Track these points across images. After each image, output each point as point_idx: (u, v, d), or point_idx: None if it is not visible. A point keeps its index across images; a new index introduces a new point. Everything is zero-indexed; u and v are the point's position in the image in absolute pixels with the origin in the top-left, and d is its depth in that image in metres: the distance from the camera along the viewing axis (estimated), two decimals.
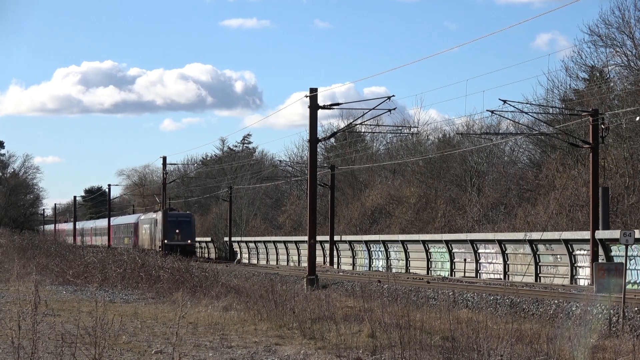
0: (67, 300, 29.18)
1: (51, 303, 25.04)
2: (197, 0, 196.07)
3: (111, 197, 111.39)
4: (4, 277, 37.84)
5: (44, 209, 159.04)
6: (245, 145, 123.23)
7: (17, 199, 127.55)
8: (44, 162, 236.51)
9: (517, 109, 39.57)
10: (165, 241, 69.09)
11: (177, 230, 70.50)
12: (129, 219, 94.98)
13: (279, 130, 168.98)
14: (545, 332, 19.19)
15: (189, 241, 70.68)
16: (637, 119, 46.37)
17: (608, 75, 56.73)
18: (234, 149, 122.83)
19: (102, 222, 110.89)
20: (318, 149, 40.49)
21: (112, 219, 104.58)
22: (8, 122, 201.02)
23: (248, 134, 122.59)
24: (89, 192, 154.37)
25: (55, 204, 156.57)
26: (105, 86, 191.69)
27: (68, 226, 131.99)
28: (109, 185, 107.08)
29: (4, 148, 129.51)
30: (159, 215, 72.08)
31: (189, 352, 17.82)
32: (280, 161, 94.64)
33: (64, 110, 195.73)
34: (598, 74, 56.45)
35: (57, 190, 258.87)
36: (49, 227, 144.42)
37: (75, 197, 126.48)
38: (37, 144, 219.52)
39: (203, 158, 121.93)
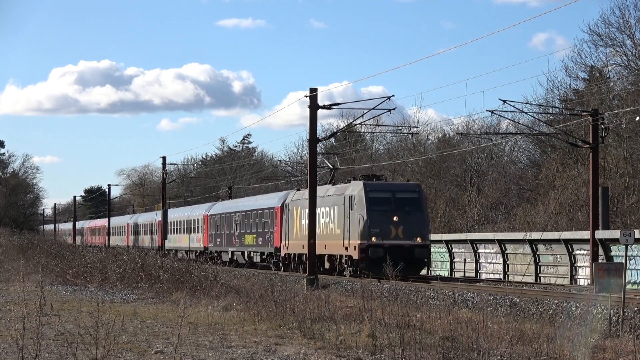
0: (67, 300, 29.21)
1: (51, 303, 25.06)
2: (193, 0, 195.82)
3: (111, 197, 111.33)
4: (4, 277, 37.86)
5: (43, 209, 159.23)
6: (245, 145, 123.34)
7: (17, 199, 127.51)
8: (42, 162, 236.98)
9: (517, 109, 39.57)
10: (373, 239, 36.74)
11: (394, 218, 37.08)
12: (261, 201, 54.34)
13: (276, 130, 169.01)
14: (545, 332, 19.21)
15: (418, 239, 37.30)
16: (637, 119, 46.38)
17: (608, 75, 56.76)
18: (234, 148, 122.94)
19: (185, 212, 71.07)
20: (318, 149, 40.47)
21: (209, 204, 67.00)
22: (5, 121, 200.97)
23: (248, 134, 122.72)
24: (89, 192, 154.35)
25: (55, 204, 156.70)
26: (102, 86, 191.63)
27: (113, 221, 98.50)
28: (109, 185, 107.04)
29: (3, 147, 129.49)
30: (354, 189, 38.54)
31: (189, 352, 17.83)
32: (280, 161, 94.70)
33: (60, 109, 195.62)
34: (598, 74, 56.47)
35: (56, 190, 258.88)
36: (49, 226, 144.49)
37: (75, 197, 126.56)
38: (34, 144, 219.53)
39: (203, 158, 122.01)
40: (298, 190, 47.80)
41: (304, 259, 41.42)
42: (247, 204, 55.74)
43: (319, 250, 40.40)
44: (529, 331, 19.30)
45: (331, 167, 47.44)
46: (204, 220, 62.61)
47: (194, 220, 65.76)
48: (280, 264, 46.74)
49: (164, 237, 70.22)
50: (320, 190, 41.76)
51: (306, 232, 40.37)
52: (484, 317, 21.24)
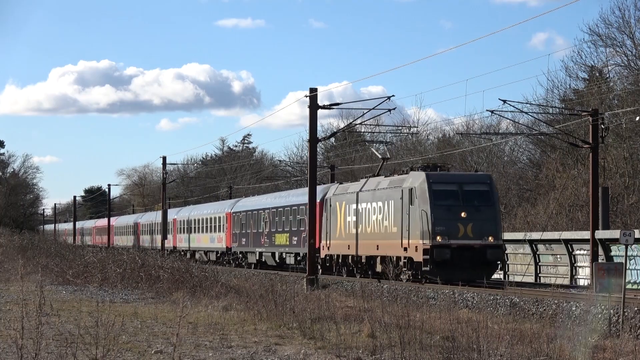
0: (67, 300, 29.20)
1: (51, 303, 25.05)
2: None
3: (111, 197, 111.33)
4: (4, 277, 37.86)
5: (43, 209, 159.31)
6: (245, 145, 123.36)
7: (17, 199, 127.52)
8: (41, 162, 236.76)
9: (517, 109, 39.55)
10: (438, 239, 31.88)
11: (462, 214, 32.40)
12: (295, 196, 48.80)
13: (275, 130, 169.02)
14: (545, 332, 19.21)
15: (490, 238, 32.49)
16: (637, 119, 46.41)
17: (608, 75, 56.81)
18: (234, 149, 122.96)
19: (203, 210, 64.98)
20: (318, 149, 40.48)
21: (233, 201, 60.89)
22: (5, 121, 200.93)
23: (248, 134, 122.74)
24: (89, 192, 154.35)
25: (55, 204, 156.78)
26: (101, 85, 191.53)
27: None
28: (109, 185, 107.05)
29: (3, 147, 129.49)
30: (415, 180, 33.65)
31: (189, 352, 17.83)
32: (280, 161, 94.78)
33: (60, 109, 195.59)
34: (598, 74, 56.51)
35: (56, 190, 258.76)
36: (49, 226, 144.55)
37: (75, 197, 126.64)
38: (34, 144, 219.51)
39: (203, 158, 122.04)
40: (340, 183, 43.41)
41: (350, 261, 38.77)
42: (278, 200, 50.45)
43: (368, 252, 36.88)
44: (529, 331, 19.30)
45: (380, 157, 43.18)
46: (227, 219, 56.64)
47: (214, 218, 59.60)
48: (319, 267, 40.75)
49: (164, 236, 69.83)
50: (370, 183, 37.78)
51: (353, 231, 37.39)
52: (484, 317, 21.25)
